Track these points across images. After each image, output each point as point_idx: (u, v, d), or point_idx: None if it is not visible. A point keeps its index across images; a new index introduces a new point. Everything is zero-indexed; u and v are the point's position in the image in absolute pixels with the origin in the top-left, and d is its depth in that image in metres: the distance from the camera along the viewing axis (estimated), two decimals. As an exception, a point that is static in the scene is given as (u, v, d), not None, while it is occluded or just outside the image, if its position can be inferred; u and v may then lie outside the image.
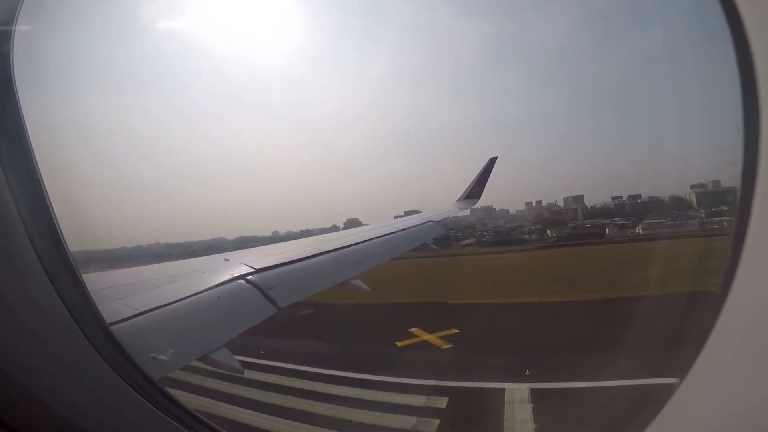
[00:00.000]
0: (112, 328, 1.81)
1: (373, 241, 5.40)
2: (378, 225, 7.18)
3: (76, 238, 1.66)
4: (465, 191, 11.86)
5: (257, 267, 3.27)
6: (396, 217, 9.21)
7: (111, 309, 2.13)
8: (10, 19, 1.48)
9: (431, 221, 7.75)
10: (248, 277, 3.04)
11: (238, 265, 3.27)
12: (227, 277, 3.01)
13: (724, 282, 1.21)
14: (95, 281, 2.54)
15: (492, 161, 11.99)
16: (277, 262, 3.53)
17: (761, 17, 1.12)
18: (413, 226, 7.03)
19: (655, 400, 1.36)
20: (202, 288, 2.74)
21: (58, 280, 1.45)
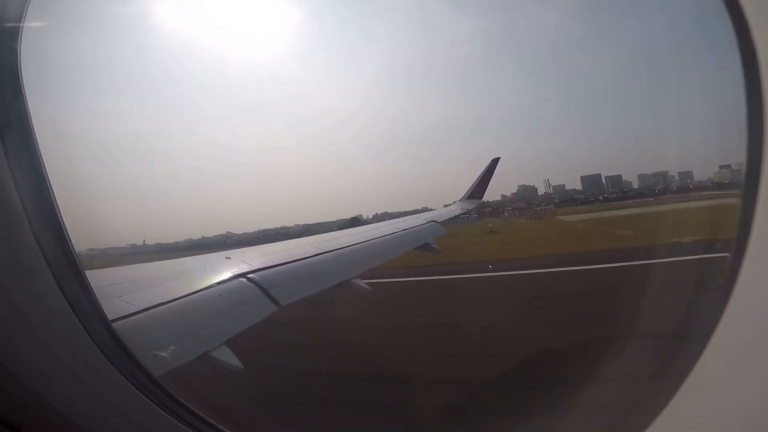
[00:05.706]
0: (114, 324, 1.81)
1: (375, 240, 5.40)
2: (380, 224, 7.19)
3: (78, 236, 1.67)
4: (467, 191, 11.91)
5: (258, 265, 3.28)
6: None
7: (113, 306, 2.13)
8: (19, 15, 1.49)
9: (434, 221, 7.75)
10: (249, 275, 3.05)
11: (240, 264, 3.28)
12: (229, 275, 3.01)
13: (728, 279, 1.21)
14: (98, 278, 2.55)
15: (494, 162, 12.05)
16: (279, 261, 3.53)
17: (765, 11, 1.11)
18: (416, 226, 7.03)
19: (658, 398, 1.36)
20: (204, 286, 2.74)
21: (61, 276, 1.46)
